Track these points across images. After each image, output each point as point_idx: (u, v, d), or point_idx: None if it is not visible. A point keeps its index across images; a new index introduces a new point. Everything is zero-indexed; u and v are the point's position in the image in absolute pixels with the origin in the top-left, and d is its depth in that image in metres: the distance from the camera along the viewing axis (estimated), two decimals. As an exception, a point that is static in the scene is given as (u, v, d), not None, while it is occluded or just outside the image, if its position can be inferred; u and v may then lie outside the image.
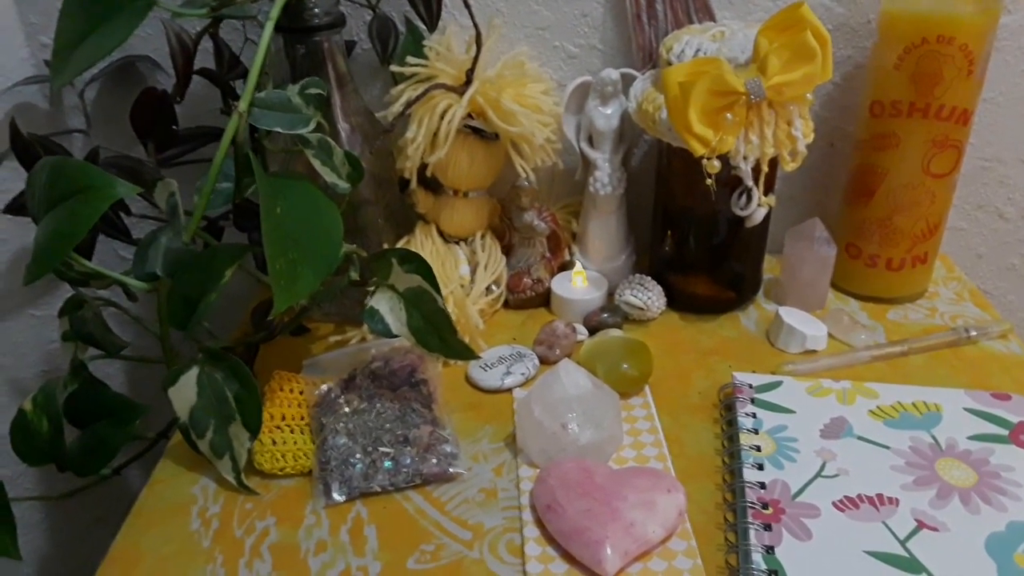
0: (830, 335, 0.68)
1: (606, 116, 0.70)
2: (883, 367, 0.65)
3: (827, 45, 0.57)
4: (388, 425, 0.57)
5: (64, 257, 0.48)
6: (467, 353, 0.58)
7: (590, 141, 0.72)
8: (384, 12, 0.70)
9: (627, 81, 0.70)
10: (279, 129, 0.53)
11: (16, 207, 0.69)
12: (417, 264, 0.56)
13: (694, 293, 0.73)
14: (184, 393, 0.54)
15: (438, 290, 0.56)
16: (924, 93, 0.65)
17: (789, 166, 0.62)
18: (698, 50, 0.61)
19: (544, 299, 0.74)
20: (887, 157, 0.68)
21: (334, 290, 0.60)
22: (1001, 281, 0.86)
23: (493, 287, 0.73)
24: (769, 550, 0.48)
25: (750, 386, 0.61)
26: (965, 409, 0.58)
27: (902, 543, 0.48)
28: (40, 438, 0.58)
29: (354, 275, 0.58)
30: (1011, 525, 0.49)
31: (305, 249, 0.50)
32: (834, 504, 0.51)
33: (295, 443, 0.56)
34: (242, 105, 0.52)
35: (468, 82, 0.67)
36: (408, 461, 0.55)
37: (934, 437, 0.56)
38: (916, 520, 0.49)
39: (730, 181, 0.62)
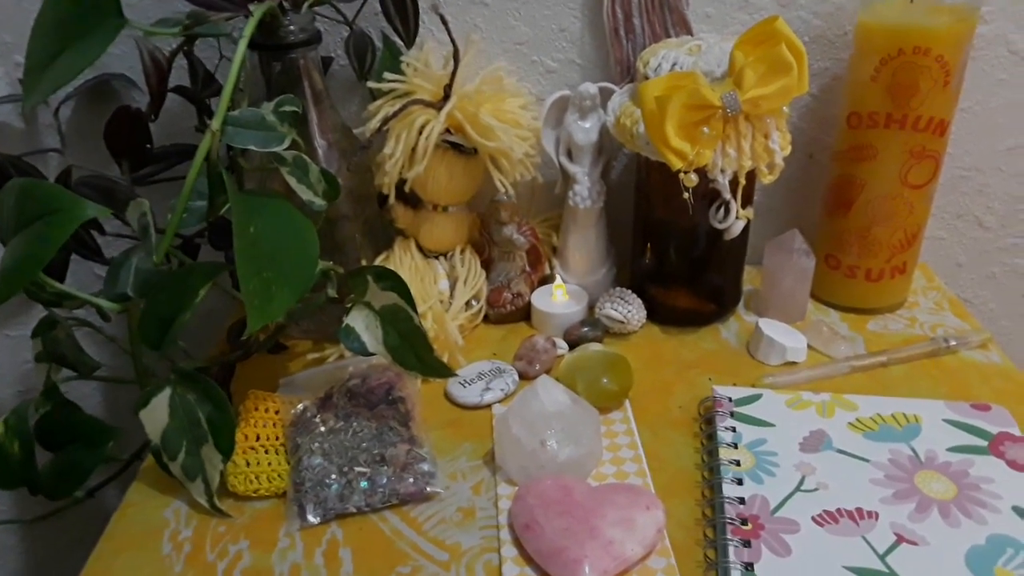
0: (810, 346, 0.68)
1: (585, 130, 0.70)
2: (863, 378, 0.65)
3: (802, 58, 0.57)
4: (364, 444, 0.56)
5: (32, 279, 0.48)
6: (444, 371, 0.58)
7: (569, 155, 0.72)
8: (361, 28, 0.70)
9: (605, 95, 0.70)
10: (253, 147, 0.53)
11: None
12: (393, 281, 0.56)
13: (674, 306, 0.72)
14: (156, 415, 0.53)
15: (414, 308, 0.56)
16: (901, 104, 0.65)
17: (767, 178, 0.62)
18: (675, 64, 0.61)
19: (524, 313, 0.74)
20: (865, 168, 0.68)
21: (311, 307, 0.60)
22: (981, 290, 0.86)
23: (473, 302, 0.73)
24: (748, 567, 0.47)
25: (730, 399, 0.61)
26: (944, 420, 0.58)
27: (881, 558, 0.48)
28: (12, 461, 0.58)
29: (331, 292, 0.58)
30: (991, 538, 0.49)
31: (280, 268, 0.50)
32: (813, 519, 0.50)
33: (269, 464, 0.55)
34: (215, 124, 0.52)
35: (446, 97, 0.67)
36: (384, 481, 0.54)
37: (913, 449, 0.56)
38: (896, 534, 0.49)
39: (708, 194, 0.63)
